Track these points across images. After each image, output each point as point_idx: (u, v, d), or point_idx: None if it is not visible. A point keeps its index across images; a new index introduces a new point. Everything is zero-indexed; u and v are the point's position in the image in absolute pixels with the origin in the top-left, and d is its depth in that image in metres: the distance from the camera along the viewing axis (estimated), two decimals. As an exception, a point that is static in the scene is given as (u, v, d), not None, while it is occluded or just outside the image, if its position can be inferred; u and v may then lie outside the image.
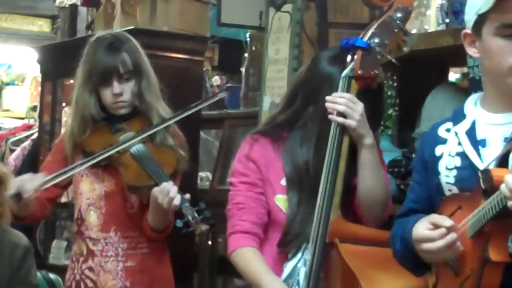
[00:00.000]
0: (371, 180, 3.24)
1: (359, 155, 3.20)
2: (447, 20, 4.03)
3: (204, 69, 5.69)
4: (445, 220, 2.58)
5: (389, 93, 3.99)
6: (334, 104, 3.12)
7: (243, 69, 5.59)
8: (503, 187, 2.37)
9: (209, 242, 5.39)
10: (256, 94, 4.95)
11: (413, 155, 4.05)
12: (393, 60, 3.18)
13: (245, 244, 3.31)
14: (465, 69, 4.00)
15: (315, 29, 4.42)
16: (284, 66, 4.43)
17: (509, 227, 2.50)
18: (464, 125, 2.77)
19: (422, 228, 2.63)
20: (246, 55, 5.59)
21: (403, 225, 2.80)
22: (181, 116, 3.82)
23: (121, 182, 3.71)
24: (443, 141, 2.82)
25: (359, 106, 3.13)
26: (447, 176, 2.74)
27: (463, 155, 2.74)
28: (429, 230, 2.60)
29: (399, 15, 3.21)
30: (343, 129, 3.14)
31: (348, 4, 4.38)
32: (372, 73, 3.14)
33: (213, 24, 5.69)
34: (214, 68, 6.02)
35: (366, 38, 3.16)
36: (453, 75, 4.35)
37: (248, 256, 3.30)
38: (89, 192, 3.81)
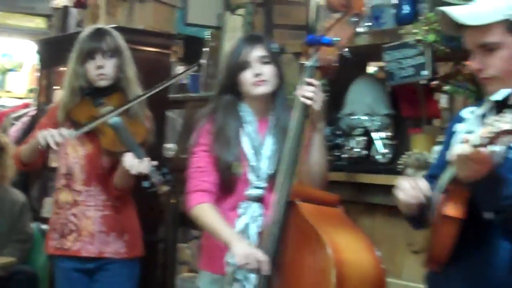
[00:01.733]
0: (318, 156, 3.21)
1: (312, 136, 3.17)
2: (370, 24, 4.03)
3: (171, 60, 5.71)
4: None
5: (322, 82, 4.01)
6: (305, 89, 3.05)
7: (203, 61, 5.59)
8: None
9: (173, 201, 5.38)
10: (213, 81, 4.95)
11: (338, 132, 4.11)
12: (348, 55, 3.13)
13: (205, 201, 3.25)
14: (381, 64, 4.03)
15: (263, 29, 4.43)
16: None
17: (466, 190, 2.44)
18: (482, 109, 2.61)
19: None
20: (205, 49, 5.59)
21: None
22: (152, 92, 3.83)
23: (99, 146, 3.74)
24: (462, 120, 2.69)
25: (322, 94, 3.10)
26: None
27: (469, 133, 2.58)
28: None
29: (354, 18, 3.22)
30: (306, 112, 3.07)
31: (290, 9, 4.41)
32: (333, 65, 3.10)
33: (179, 24, 5.69)
34: (179, 60, 6.00)
35: (328, 36, 3.11)
36: (372, 68, 4.37)
37: (207, 211, 3.24)
38: (74, 153, 3.85)
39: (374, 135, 3.88)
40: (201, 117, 3.44)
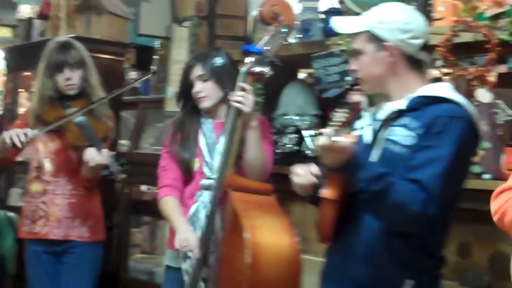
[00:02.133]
0: (255, 151, 3.28)
1: (247, 133, 3.24)
2: (301, 35, 4.09)
3: (124, 66, 5.74)
4: None
5: (258, 86, 4.05)
6: (236, 94, 3.17)
7: (153, 68, 5.60)
8: None
9: (126, 190, 5.37)
10: (162, 85, 4.96)
11: (273, 130, 4.14)
12: (277, 62, 3.21)
13: (167, 194, 3.43)
14: (310, 70, 4.08)
15: (206, 39, 4.44)
16: (183, 65, 4.44)
17: (338, 175, 2.50)
18: (374, 108, 2.73)
19: None
20: (155, 57, 5.60)
21: None
22: (112, 95, 3.97)
23: (66, 142, 3.79)
24: (361, 118, 2.79)
25: (251, 98, 3.17)
26: None
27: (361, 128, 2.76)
28: None
29: (284, 30, 3.27)
30: (239, 113, 3.16)
31: (230, 22, 4.43)
32: (262, 70, 3.18)
33: (132, 34, 5.70)
34: (132, 66, 6.01)
35: (259, 46, 3.18)
36: (302, 75, 4.42)
37: (167, 203, 3.42)
38: (44, 148, 3.90)
39: (304, 133, 3.91)
40: (171, 123, 3.67)
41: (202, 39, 4.44)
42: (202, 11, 4.45)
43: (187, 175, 3.44)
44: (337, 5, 3.91)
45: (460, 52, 3.28)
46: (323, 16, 3.98)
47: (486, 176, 3.12)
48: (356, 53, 2.66)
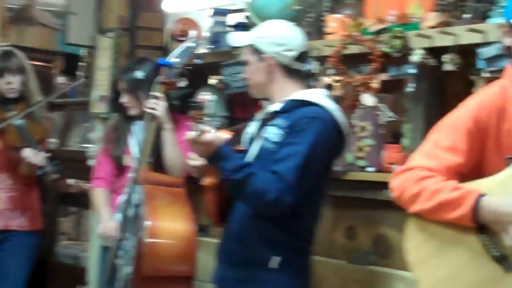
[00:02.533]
0: (171, 150, 3.31)
1: (162, 135, 3.28)
2: (212, 46, 4.10)
3: (53, 72, 5.65)
4: None
5: (174, 93, 4.06)
6: (149, 101, 3.23)
7: (79, 73, 5.52)
8: None
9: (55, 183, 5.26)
10: (88, 89, 4.88)
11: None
12: (187, 73, 3.26)
13: (98, 186, 3.56)
14: (220, 77, 4.08)
15: (128, 49, 4.40)
16: (106, 72, 4.40)
17: (215, 168, 2.55)
18: (263, 112, 2.78)
19: None
20: (82, 64, 5.51)
21: None
22: (48, 100, 4.06)
23: (6, 143, 3.74)
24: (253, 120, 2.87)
25: (163, 104, 3.22)
26: None
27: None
28: None
29: (192, 45, 3.29)
30: (153, 117, 3.22)
31: (150, 34, 4.39)
32: (172, 81, 3.23)
33: (60, 43, 5.62)
34: (60, 72, 5.91)
35: (169, 59, 3.22)
36: (213, 80, 4.43)
37: (96, 194, 3.55)
38: None
39: (223, 131, 3.91)
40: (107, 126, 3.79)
41: (124, 49, 4.39)
42: (124, 24, 4.40)
43: (119, 169, 3.50)
44: (244, 20, 3.93)
45: (349, 62, 3.33)
46: (231, 29, 3.99)
47: (370, 169, 3.18)
48: (245, 63, 2.74)
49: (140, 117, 3.45)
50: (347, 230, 3.38)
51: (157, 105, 3.21)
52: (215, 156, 2.47)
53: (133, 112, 3.48)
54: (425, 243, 2.17)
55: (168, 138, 3.28)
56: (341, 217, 3.39)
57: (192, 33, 3.61)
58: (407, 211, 2.20)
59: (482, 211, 2.04)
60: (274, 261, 2.55)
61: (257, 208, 2.54)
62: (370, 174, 3.13)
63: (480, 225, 2.07)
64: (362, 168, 3.19)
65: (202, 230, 3.67)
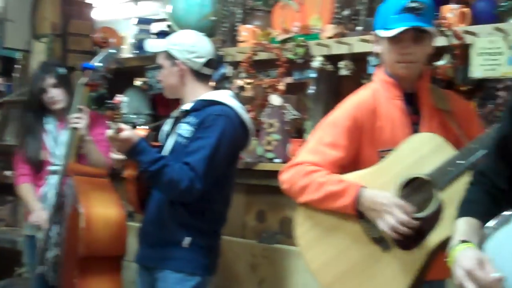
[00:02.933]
0: (94, 158, 3.24)
1: (84, 144, 3.20)
2: (137, 51, 4.06)
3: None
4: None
5: (103, 91, 3.99)
6: (73, 116, 3.12)
7: (15, 75, 5.34)
8: None
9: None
10: (22, 88, 4.75)
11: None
12: (109, 76, 3.19)
13: (23, 182, 3.42)
14: (144, 79, 4.04)
15: (60, 53, 4.30)
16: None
17: (134, 162, 2.53)
18: (177, 111, 2.78)
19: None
20: (18, 66, 5.33)
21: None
22: None
23: None
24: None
25: (85, 116, 3.13)
26: None
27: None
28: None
29: (113, 51, 3.24)
30: (75, 128, 3.12)
31: (79, 39, 4.31)
32: (95, 82, 3.15)
33: (-2, 47, 5.41)
34: (-2, 74, 5.72)
35: (93, 62, 3.15)
36: (138, 82, 4.38)
37: (22, 189, 3.41)
38: None
39: (139, 128, 3.88)
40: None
41: (56, 53, 4.30)
42: (56, 30, 4.31)
43: (38, 164, 3.38)
44: (166, 28, 3.91)
45: (258, 67, 3.36)
46: (154, 36, 3.96)
47: (277, 160, 3.21)
48: (160, 67, 2.73)
49: (56, 112, 3.37)
50: (257, 214, 3.40)
51: (81, 119, 3.11)
52: (133, 151, 2.46)
53: (58, 106, 3.35)
54: (312, 230, 2.21)
55: (90, 147, 3.22)
56: (252, 202, 3.41)
57: (112, 40, 3.59)
58: (296, 201, 2.24)
59: (362, 201, 2.10)
60: (186, 241, 2.57)
61: (172, 195, 2.54)
62: (277, 165, 3.14)
63: (360, 213, 2.13)
64: (270, 160, 3.22)
65: (130, 215, 3.62)
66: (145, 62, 3.82)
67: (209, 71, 2.73)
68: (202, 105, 2.62)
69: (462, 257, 1.59)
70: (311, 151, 2.24)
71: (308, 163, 2.20)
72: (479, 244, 1.64)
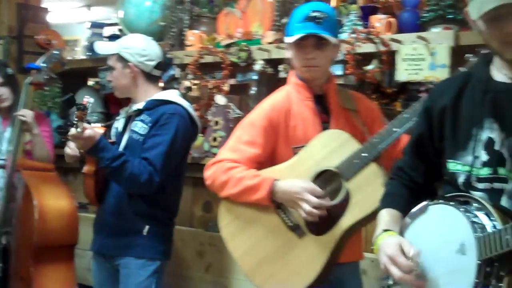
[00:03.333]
0: (39, 151, 3.14)
1: (32, 138, 3.10)
2: (90, 53, 3.94)
3: None
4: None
5: (57, 90, 3.86)
6: (20, 110, 3.03)
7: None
8: None
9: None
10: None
11: (69, 123, 3.95)
12: (53, 75, 3.11)
13: None
14: (97, 79, 3.94)
15: (16, 54, 4.14)
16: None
17: (93, 159, 2.48)
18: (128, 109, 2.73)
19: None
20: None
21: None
22: None
23: None
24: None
25: (29, 113, 3.04)
26: None
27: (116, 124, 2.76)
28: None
29: (56, 52, 3.13)
30: (23, 123, 3.02)
31: (34, 42, 4.16)
32: (40, 82, 3.07)
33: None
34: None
35: (38, 63, 3.07)
36: (91, 82, 4.28)
37: None
38: None
39: (95, 126, 3.76)
40: None
41: (13, 54, 4.13)
42: (13, 32, 4.15)
43: None
44: (117, 32, 3.82)
45: (204, 69, 3.31)
46: (106, 40, 3.86)
47: (222, 155, 3.17)
48: (111, 68, 2.68)
49: (1, 110, 3.25)
50: (204, 205, 3.37)
51: (26, 113, 3.02)
52: (95, 148, 2.40)
53: (4, 104, 3.22)
54: (233, 222, 2.23)
55: (36, 141, 3.12)
56: (199, 194, 3.37)
57: (55, 42, 3.49)
58: (219, 196, 2.24)
59: (276, 192, 2.11)
60: (144, 230, 2.55)
61: (132, 188, 2.50)
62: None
63: (277, 204, 2.15)
64: (215, 155, 3.15)
65: (83, 207, 3.51)
66: (97, 63, 3.73)
67: (159, 73, 2.71)
68: (154, 104, 2.59)
69: (385, 244, 1.63)
70: (230, 149, 2.25)
71: (228, 160, 2.22)
72: (400, 232, 1.69)
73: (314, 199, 2.05)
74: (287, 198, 2.11)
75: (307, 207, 2.05)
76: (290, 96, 2.27)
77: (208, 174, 2.25)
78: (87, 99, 2.37)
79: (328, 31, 2.16)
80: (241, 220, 2.21)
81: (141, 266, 2.53)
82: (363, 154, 2.07)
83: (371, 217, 1.99)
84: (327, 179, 2.14)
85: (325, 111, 2.26)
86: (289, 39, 2.19)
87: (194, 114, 2.66)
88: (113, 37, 3.77)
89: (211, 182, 2.24)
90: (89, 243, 2.70)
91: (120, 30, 3.76)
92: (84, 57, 4.01)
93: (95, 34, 4.05)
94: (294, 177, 2.13)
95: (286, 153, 2.21)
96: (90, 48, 3.94)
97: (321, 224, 2.08)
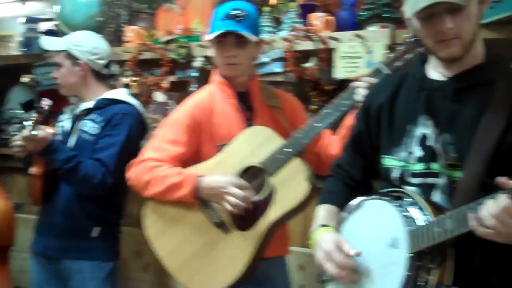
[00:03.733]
0: None
1: None
2: (25, 49, 3.84)
3: None
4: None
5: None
6: None
7: None
8: None
9: None
10: None
11: (2, 121, 3.83)
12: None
13: None
14: (32, 76, 3.82)
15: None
16: None
17: (43, 160, 2.44)
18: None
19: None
20: None
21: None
22: None
23: None
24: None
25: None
26: None
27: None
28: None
29: None
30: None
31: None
32: None
33: None
34: None
35: None
36: (26, 79, 4.16)
37: None
38: None
39: (25, 123, 3.68)
40: None
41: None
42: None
43: None
44: (53, 28, 3.72)
45: (143, 66, 3.28)
46: (42, 35, 3.75)
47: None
48: (58, 65, 2.62)
49: None
50: (141, 203, 3.29)
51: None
52: (47, 150, 2.36)
53: None
54: (158, 221, 2.22)
55: None
56: (136, 192, 3.31)
57: None
58: (143, 195, 2.23)
59: (201, 188, 2.12)
60: (95, 231, 2.52)
61: (85, 189, 2.46)
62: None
63: (202, 201, 2.15)
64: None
65: (18, 207, 3.42)
66: (32, 59, 3.63)
67: (108, 72, 2.68)
68: (105, 104, 2.55)
69: (322, 240, 1.66)
70: (154, 148, 2.24)
71: (152, 160, 2.21)
72: (336, 227, 1.72)
73: (239, 192, 2.07)
74: (212, 193, 2.11)
75: (232, 199, 2.06)
76: (212, 94, 2.28)
77: (132, 174, 2.24)
78: (46, 102, 2.33)
79: (248, 29, 2.18)
80: (166, 219, 2.20)
81: (96, 268, 2.51)
82: (286, 150, 2.10)
83: (296, 211, 2.04)
84: (252, 175, 2.15)
85: (248, 108, 2.28)
86: (209, 37, 2.21)
87: (144, 112, 2.64)
88: (48, 33, 3.67)
89: (135, 183, 2.23)
90: (24, 244, 2.62)
91: (56, 25, 3.67)
92: (18, 53, 3.88)
93: (30, 29, 3.94)
94: (219, 174, 2.14)
95: (210, 151, 2.22)
96: (25, 43, 3.84)
97: (247, 219, 2.10)
